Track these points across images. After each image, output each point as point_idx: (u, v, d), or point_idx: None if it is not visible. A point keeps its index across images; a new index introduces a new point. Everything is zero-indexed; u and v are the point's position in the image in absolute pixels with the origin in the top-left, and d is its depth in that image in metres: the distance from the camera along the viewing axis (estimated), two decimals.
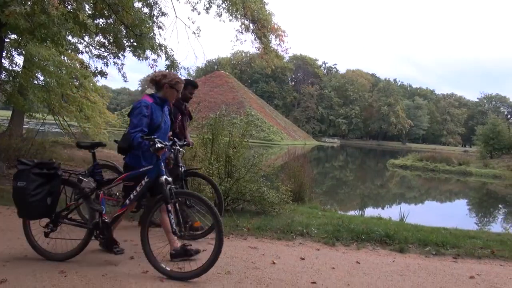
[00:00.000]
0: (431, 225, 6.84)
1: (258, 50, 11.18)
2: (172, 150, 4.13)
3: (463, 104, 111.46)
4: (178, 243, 3.67)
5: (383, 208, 14.58)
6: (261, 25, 10.31)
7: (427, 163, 31.53)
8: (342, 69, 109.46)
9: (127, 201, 3.67)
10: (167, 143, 3.70)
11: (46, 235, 3.66)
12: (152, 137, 3.45)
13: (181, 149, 4.34)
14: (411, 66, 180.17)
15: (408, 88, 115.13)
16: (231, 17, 10.42)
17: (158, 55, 10.28)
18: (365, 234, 5.17)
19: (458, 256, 4.76)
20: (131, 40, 10.03)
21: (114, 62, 11.40)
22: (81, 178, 3.79)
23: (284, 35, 11.09)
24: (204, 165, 6.39)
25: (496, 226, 12.01)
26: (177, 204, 3.53)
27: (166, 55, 10.29)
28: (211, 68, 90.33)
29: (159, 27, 10.81)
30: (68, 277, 3.20)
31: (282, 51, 11.33)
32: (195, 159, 6.41)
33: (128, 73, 12.50)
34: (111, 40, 10.63)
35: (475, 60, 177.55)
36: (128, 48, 10.46)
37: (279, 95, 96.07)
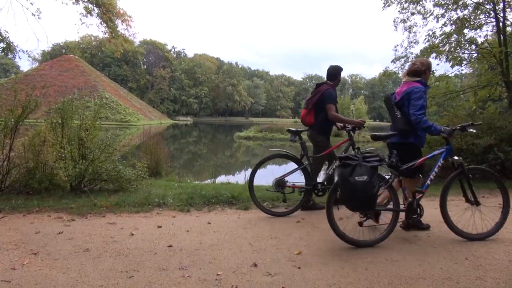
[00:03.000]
0: (270, 184, 7.41)
1: (105, 34, 10.32)
2: None
3: (291, 83, 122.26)
4: None
5: (233, 175, 15.24)
6: (105, 10, 9.49)
7: (266, 134, 33.89)
8: (190, 53, 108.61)
9: (428, 182, 3.77)
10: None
11: (361, 224, 3.56)
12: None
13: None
14: (249, 51, 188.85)
15: (248, 70, 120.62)
16: (73, 0, 9.34)
17: None
18: (215, 198, 5.35)
19: (289, 206, 5.20)
20: None
21: None
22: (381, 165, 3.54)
23: (131, 20, 10.45)
24: (56, 149, 5.77)
25: (319, 179, 13.66)
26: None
27: (0, 37, 8.74)
28: (59, 52, 80.00)
29: None
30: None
31: (130, 35, 10.69)
32: (45, 144, 5.70)
33: None
34: None
35: (299, 45, 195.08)
36: None
37: (133, 78, 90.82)
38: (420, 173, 3.93)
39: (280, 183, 4.82)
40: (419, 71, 4.02)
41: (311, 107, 5.05)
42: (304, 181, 5.02)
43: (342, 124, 5.08)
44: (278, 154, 5.16)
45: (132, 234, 3.79)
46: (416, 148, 4.03)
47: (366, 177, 3.24)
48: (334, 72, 5.18)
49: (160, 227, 4.08)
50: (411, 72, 4.06)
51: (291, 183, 4.90)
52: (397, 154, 3.77)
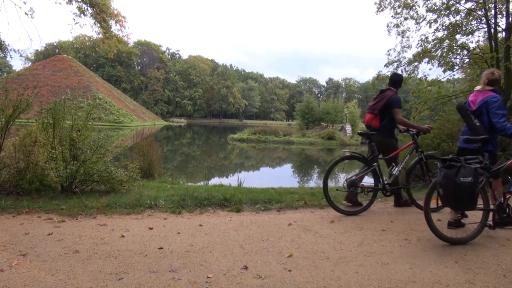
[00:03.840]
0: (262, 186, 7.45)
1: (99, 34, 10.26)
2: None
3: (285, 86, 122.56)
4: None
5: (227, 177, 15.25)
6: (99, 10, 9.42)
7: (260, 136, 34.00)
8: (184, 55, 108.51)
9: None
10: None
11: (457, 223, 4.07)
12: None
13: None
14: (243, 53, 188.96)
15: (242, 73, 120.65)
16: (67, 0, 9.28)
17: None
18: (207, 200, 5.31)
19: (281, 209, 5.25)
20: None
21: None
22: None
23: (125, 21, 10.40)
24: (47, 149, 5.71)
25: (311, 182, 13.74)
26: None
27: None
28: (52, 52, 79.47)
29: None
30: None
31: (124, 36, 10.62)
32: (36, 145, 5.65)
33: None
34: None
35: (293, 48, 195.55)
36: None
37: (126, 79, 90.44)
38: (510, 175, 4.31)
39: (352, 183, 5.09)
40: (497, 80, 4.30)
41: (377, 112, 5.33)
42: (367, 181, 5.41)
43: (405, 128, 5.44)
44: (350, 156, 5.41)
45: (123, 236, 3.76)
46: (493, 154, 4.27)
47: (470, 178, 3.46)
48: (397, 79, 5.60)
49: (151, 229, 4.06)
50: (491, 82, 4.26)
51: (363, 184, 5.19)
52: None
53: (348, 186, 5.09)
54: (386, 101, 5.25)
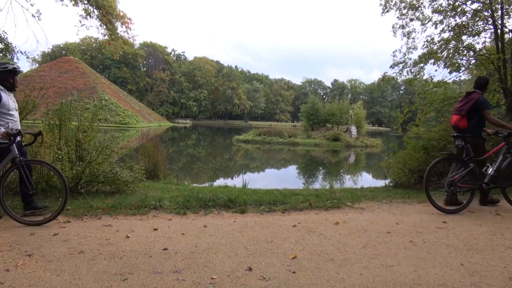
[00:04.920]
0: (267, 187, 7.46)
1: (105, 36, 10.32)
2: None
3: (290, 87, 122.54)
4: None
5: (232, 178, 15.26)
6: (105, 12, 9.48)
7: (265, 137, 33.98)
8: (190, 56, 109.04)
9: None
10: None
11: None
12: None
13: None
14: (248, 55, 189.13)
15: (247, 74, 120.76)
16: (73, 2, 9.33)
17: None
18: (212, 201, 5.33)
19: (286, 211, 5.25)
20: None
21: None
22: None
23: (130, 23, 10.46)
24: (53, 150, 5.76)
25: (316, 184, 13.71)
26: None
27: None
28: (59, 53, 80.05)
29: None
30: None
31: (130, 38, 10.67)
32: (42, 145, 5.69)
33: None
34: None
35: (297, 50, 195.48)
36: None
37: (132, 80, 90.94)
38: None
39: (452, 183, 5.33)
40: None
41: (464, 113, 5.51)
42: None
43: (493, 131, 5.69)
44: (447, 157, 5.75)
45: (128, 237, 3.77)
46: None
47: None
48: (482, 82, 5.80)
49: (156, 230, 4.07)
50: None
51: (460, 183, 5.38)
52: None
53: (448, 186, 5.33)
54: (474, 103, 5.45)
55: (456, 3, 9.66)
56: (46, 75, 54.13)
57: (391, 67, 10.83)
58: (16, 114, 4.55)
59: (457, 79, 12.36)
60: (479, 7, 9.49)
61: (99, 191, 5.93)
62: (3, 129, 4.18)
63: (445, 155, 5.76)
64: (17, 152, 4.27)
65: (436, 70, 12.32)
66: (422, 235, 4.12)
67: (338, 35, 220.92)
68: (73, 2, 9.26)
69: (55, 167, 4.63)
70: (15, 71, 4.45)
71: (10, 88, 4.49)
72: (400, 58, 10.68)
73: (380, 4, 10.63)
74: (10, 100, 4.42)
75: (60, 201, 4.48)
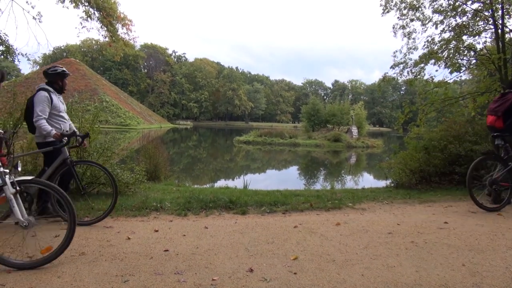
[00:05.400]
0: (268, 188, 7.45)
1: (106, 38, 10.32)
2: None
3: (291, 88, 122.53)
4: None
5: (233, 179, 15.25)
6: (106, 14, 9.48)
7: (265, 138, 33.95)
8: (191, 58, 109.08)
9: None
10: None
11: None
12: None
13: None
14: (248, 56, 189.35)
15: (248, 75, 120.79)
16: (74, 4, 9.34)
17: None
18: (213, 202, 5.34)
19: (287, 212, 5.26)
20: None
21: None
22: None
23: (131, 24, 10.45)
24: None
25: (317, 185, 13.68)
26: None
27: (0, 40, 8.74)
28: (60, 55, 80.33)
29: None
30: None
31: (130, 39, 10.67)
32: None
33: None
34: None
35: (298, 50, 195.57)
36: None
37: (133, 82, 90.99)
38: None
39: (493, 182, 5.46)
40: None
41: (500, 114, 5.58)
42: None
43: None
44: (487, 156, 5.79)
45: (129, 238, 3.77)
46: None
47: None
48: None
49: (157, 231, 4.07)
50: None
51: (501, 182, 5.49)
52: None
53: (490, 185, 5.46)
54: (510, 103, 5.52)
55: (457, 3, 9.65)
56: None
57: (392, 67, 10.80)
58: (66, 115, 4.68)
59: (458, 79, 12.34)
60: (480, 7, 9.48)
61: (100, 192, 5.93)
62: (54, 131, 4.26)
63: (486, 155, 5.80)
64: (68, 153, 4.34)
65: (436, 70, 12.32)
66: (423, 235, 4.11)
67: (339, 36, 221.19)
68: (74, 4, 9.27)
69: (105, 168, 4.71)
70: (64, 74, 4.62)
71: (59, 90, 4.64)
72: (401, 59, 10.66)
73: (381, 5, 10.62)
74: (60, 102, 4.56)
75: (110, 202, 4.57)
